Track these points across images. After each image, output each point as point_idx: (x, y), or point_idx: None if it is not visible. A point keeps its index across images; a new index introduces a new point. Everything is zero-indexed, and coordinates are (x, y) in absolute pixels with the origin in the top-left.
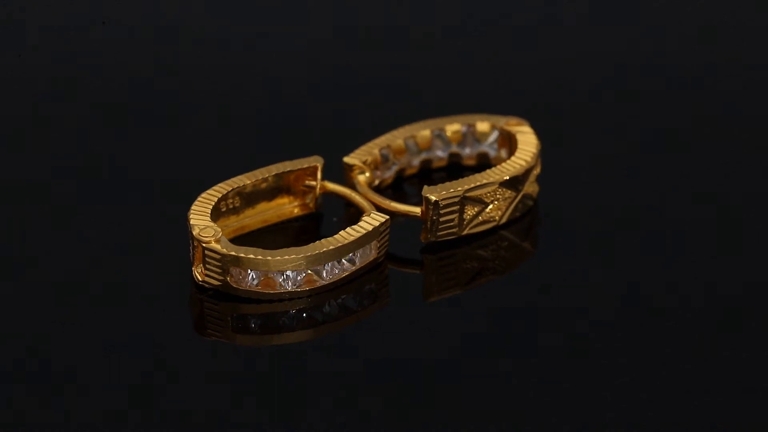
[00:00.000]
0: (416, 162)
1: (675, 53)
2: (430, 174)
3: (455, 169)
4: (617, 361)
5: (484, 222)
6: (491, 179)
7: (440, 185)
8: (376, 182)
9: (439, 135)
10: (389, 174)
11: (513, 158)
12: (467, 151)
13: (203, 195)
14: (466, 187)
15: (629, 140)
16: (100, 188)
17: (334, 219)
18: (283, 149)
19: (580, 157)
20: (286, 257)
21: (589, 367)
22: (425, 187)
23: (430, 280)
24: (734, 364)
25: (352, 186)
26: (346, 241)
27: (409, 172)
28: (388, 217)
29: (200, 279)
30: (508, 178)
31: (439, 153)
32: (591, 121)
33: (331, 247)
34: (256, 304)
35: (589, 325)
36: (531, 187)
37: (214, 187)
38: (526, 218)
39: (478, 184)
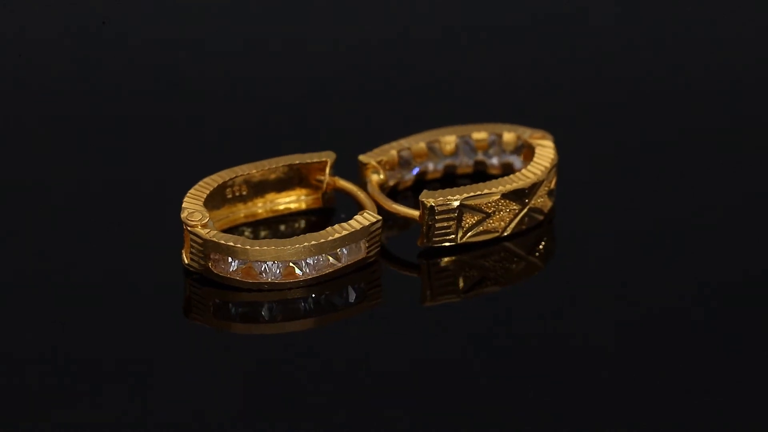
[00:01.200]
0: (440, 167)
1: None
2: (454, 180)
3: (480, 177)
4: (615, 362)
5: (485, 232)
6: (492, 189)
7: (439, 191)
8: (391, 183)
9: (466, 142)
10: (409, 176)
11: (522, 171)
12: (494, 160)
13: (204, 180)
14: (465, 195)
15: (653, 157)
16: (108, 184)
17: (342, 215)
18: (309, 145)
19: (599, 173)
20: (265, 248)
21: (586, 370)
22: (424, 191)
23: (423, 284)
24: (734, 365)
25: (364, 184)
26: (330, 238)
27: (432, 176)
28: (380, 217)
29: (186, 262)
30: (511, 189)
31: (464, 159)
32: (616, 136)
33: (312, 242)
34: (236, 292)
35: (585, 329)
36: (541, 202)
37: (218, 173)
38: (533, 232)
39: (478, 193)
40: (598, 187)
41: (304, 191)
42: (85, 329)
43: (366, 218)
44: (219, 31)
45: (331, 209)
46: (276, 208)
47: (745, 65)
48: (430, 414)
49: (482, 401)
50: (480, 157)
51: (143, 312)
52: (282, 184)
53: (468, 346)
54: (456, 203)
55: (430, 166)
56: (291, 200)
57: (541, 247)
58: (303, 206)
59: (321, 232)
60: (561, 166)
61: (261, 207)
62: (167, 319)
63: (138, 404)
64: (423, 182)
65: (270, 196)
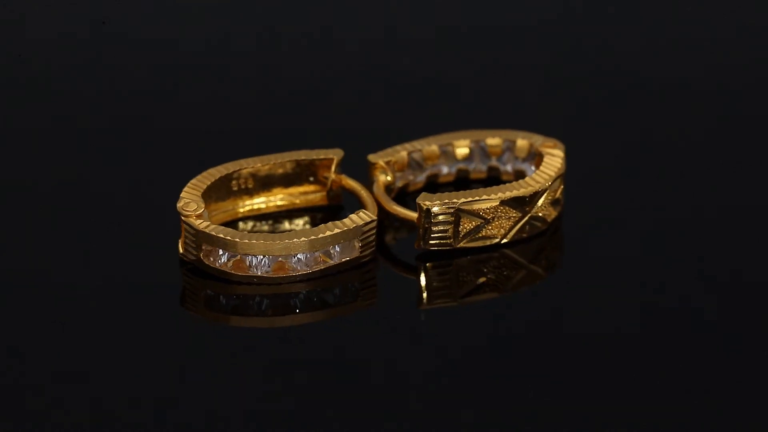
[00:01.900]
0: (453, 170)
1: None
2: (468, 185)
3: (494, 183)
4: (610, 372)
5: (483, 238)
6: (491, 196)
7: (438, 194)
8: (400, 184)
9: (480, 147)
10: (420, 178)
11: (526, 179)
12: (507, 167)
13: (208, 171)
14: (463, 200)
15: (655, 162)
16: (120, 179)
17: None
18: (326, 143)
19: (603, 180)
20: (254, 242)
21: (579, 378)
22: (422, 193)
23: (420, 287)
24: (739, 366)
25: (372, 184)
26: (321, 235)
27: (445, 179)
28: (374, 217)
29: (181, 251)
30: (510, 197)
31: (478, 165)
32: (620, 143)
33: (302, 238)
34: (227, 284)
35: (580, 338)
36: (544, 211)
37: (223, 165)
38: (534, 240)
39: (476, 198)
40: (601, 195)
41: (311, 188)
42: (72, 314)
43: (360, 217)
44: (240, 27)
45: (339, 207)
46: (282, 203)
47: (745, 65)
48: (407, 418)
49: (467, 407)
50: (494, 162)
51: (136, 300)
52: (289, 180)
53: (457, 351)
54: (453, 208)
55: (444, 170)
56: (298, 196)
57: (540, 255)
58: (310, 203)
59: (312, 228)
60: (567, 172)
61: (267, 201)
62: (159, 308)
63: (125, 391)
64: (435, 185)
65: (277, 190)
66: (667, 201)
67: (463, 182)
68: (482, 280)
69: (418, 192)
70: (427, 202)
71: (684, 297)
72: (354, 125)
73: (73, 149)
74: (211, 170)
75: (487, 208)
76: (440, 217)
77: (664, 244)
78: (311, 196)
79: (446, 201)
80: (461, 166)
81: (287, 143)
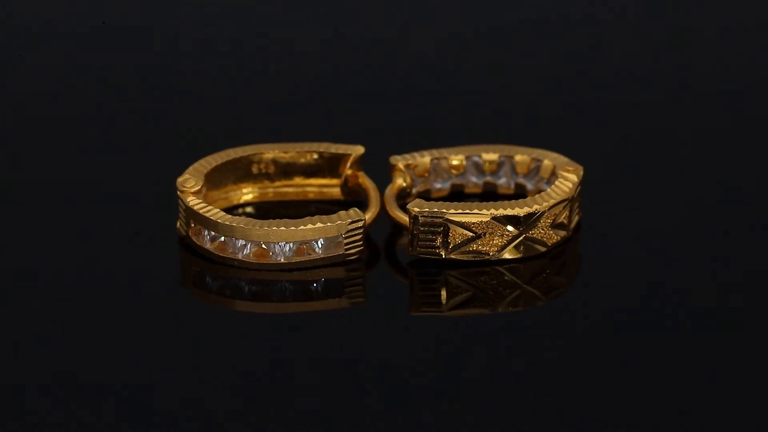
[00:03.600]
0: (480, 182)
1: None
2: (495, 198)
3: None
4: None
5: (473, 252)
6: (483, 211)
7: (431, 202)
8: (420, 189)
9: (511, 163)
10: (444, 186)
11: (526, 198)
12: (539, 185)
13: (224, 151)
14: (452, 210)
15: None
16: (136, 175)
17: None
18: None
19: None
20: (234, 225)
21: (574, 384)
22: (416, 199)
23: (406, 292)
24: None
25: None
26: (301, 227)
27: (471, 190)
28: (364, 217)
29: (177, 226)
30: (503, 214)
31: (507, 180)
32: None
33: (282, 228)
34: (210, 264)
35: (561, 361)
36: (542, 233)
37: (241, 147)
38: (533, 262)
39: (466, 211)
40: (612, 218)
41: (333, 181)
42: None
43: (349, 215)
44: (279, 25)
45: (359, 203)
46: (300, 192)
47: (745, 65)
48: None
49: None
50: (521, 180)
51: (125, 269)
52: (311, 170)
53: (427, 359)
54: (441, 217)
55: (472, 180)
56: (317, 187)
57: (536, 276)
58: (331, 195)
59: (296, 220)
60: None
61: (286, 188)
62: (146, 279)
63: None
64: (461, 195)
65: (298, 179)
66: (673, 215)
67: (490, 195)
68: (471, 295)
69: (438, 200)
70: (416, 209)
71: (681, 318)
72: (402, 126)
73: (77, 145)
74: (228, 151)
75: (477, 223)
76: (428, 225)
77: (665, 252)
78: (334, 190)
79: (435, 210)
80: (489, 179)
81: (332, 139)
